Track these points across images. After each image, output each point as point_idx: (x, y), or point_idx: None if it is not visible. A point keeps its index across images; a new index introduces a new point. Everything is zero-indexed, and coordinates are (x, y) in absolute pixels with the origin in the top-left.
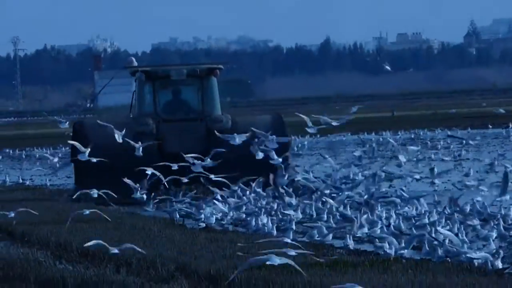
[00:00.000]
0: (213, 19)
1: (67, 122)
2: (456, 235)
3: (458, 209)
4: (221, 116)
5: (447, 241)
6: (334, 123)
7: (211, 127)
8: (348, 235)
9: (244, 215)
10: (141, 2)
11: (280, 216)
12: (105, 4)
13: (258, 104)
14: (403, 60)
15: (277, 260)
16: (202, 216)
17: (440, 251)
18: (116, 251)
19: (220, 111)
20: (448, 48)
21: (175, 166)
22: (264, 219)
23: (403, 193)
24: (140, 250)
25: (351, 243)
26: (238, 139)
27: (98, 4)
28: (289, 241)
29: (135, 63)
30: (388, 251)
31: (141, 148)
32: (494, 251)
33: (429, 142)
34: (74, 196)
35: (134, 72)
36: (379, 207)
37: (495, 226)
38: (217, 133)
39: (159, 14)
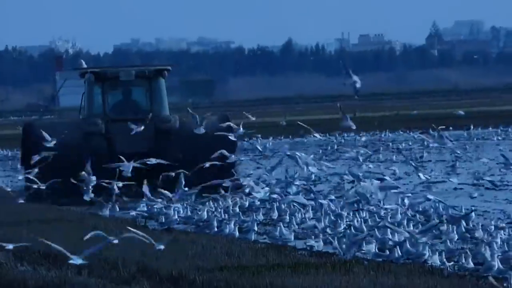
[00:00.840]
0: (174, 20)
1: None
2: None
3: (419, 210)
4: (169, 116)
5: (407, 242)
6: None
7: (160, 127)
8: (312, 237)
9: (205, 216)
10: (103, 2)
11: (243, 218)
12: (67, 5)
13: (220, 105)
14: (365, 61)
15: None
16: (163, 217)
17: (398, 252)
18: (116, 241)
19: (168, 111)
20: (410, 50)
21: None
22: (231, 224)
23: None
24: (141, 236)
25: (316, 245)
26: (127, 167)
27: (60, 5)
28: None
29: (85, 65)
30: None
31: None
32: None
33: (390, 144)
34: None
35: (84, 74)
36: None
37: (455, 228)
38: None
39: (121, 15)
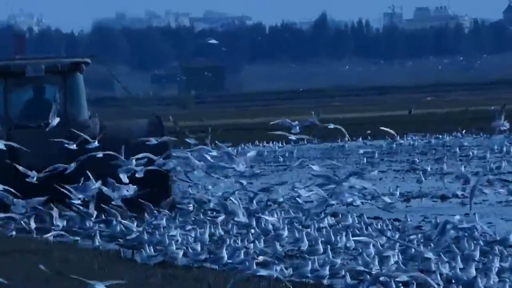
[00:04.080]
0: None
1: None
2: None
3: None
4: (87, 120)
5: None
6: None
7: (76, 134)
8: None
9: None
10: None
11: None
12: None
13: (231, 100)
14: (422, 42)
15: None
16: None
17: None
18: None
19: (87, 114)
20: (483, 27)
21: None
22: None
23: None
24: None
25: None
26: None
27: None
28: None
29: None
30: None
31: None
32: None
33: (458, 150)
34: None
35: None
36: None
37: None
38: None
39: None
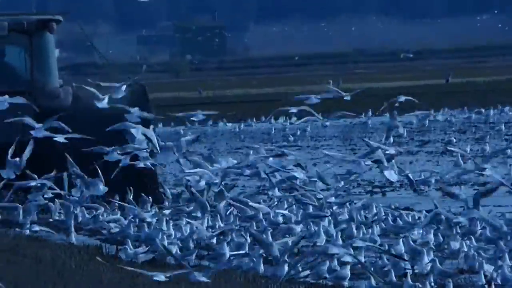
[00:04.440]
0: None
1: None
2: None
3: None
4: (57, 89)
5: None
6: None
7: (43, 104)
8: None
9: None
10: None
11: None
12: None
13: (234, 66)
14: None
15: None
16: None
17: None
18: None
19: (58, 82)
20: None
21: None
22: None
23: None
24: None
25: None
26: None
27: None
28: None
29: None
30: None
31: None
32: None
33: (503, 127)
34: None
35: None
36: None
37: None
38: None
39: None
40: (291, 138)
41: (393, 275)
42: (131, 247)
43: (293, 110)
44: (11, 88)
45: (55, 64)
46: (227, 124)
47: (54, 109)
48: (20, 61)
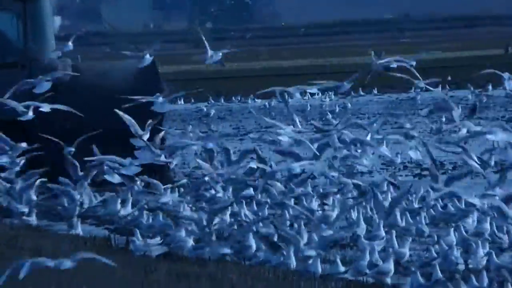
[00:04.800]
0: None
1: None
2: None
3: None
4: (55, 61)
5: None
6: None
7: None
8: None
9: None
10: None
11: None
12: None
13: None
14: None
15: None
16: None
17: None
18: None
19: (56, 53)
20: None
21: None
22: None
23: None
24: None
25: None
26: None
27: None
28: None
29: None
30: None
31: None
32: None
33: None
34: None
35: None
36: None
37: None
38: None
39: None
40: (329, 116)
41: (439, 272)
42: (140, 238)
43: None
44: (2, 59)
45: (52, 33)
46: (256, 100)
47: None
48: (12, 29)
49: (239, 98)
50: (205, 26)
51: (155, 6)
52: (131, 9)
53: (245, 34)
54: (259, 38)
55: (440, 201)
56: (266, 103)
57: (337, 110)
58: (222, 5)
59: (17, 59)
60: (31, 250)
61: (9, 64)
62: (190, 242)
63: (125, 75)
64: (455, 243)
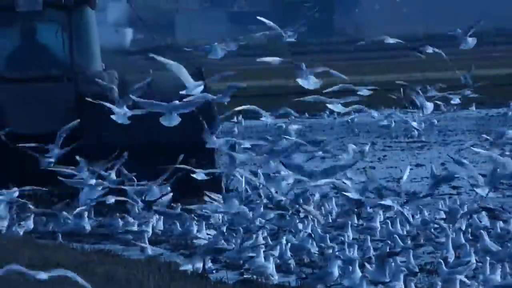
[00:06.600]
0: None
1: None
2: None
3: None
4: (101, 73)
5: None
6: None
7: (85, 90)
8: None
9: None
10: None
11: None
12: None
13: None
14: None
15: None
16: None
17: None
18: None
19: (101, 65)
20: None
21: None
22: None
23: None
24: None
25: None
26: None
27: None
28: None
29: None
30: None
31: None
32: None
33: None
34: None
35: None
36: None
37: None
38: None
39: None
40: (415, 133)
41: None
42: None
43: None
44: (47, 72)
45: (98, 44)
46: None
47: (96, 95)
48: (57, 41)
49: (322, 114)
50: (285, 37)
51: (231, 19)
52: (207, 21)
53: (326, 48)
54: (339, 52)
55: None
56: (349, 119)
57: (423, 126)
58: (300, 14)
59: (63, 72)
60: (103, 276)
61: (55, 77)
62: (271, 267)
63: (168, 87)
64: None
